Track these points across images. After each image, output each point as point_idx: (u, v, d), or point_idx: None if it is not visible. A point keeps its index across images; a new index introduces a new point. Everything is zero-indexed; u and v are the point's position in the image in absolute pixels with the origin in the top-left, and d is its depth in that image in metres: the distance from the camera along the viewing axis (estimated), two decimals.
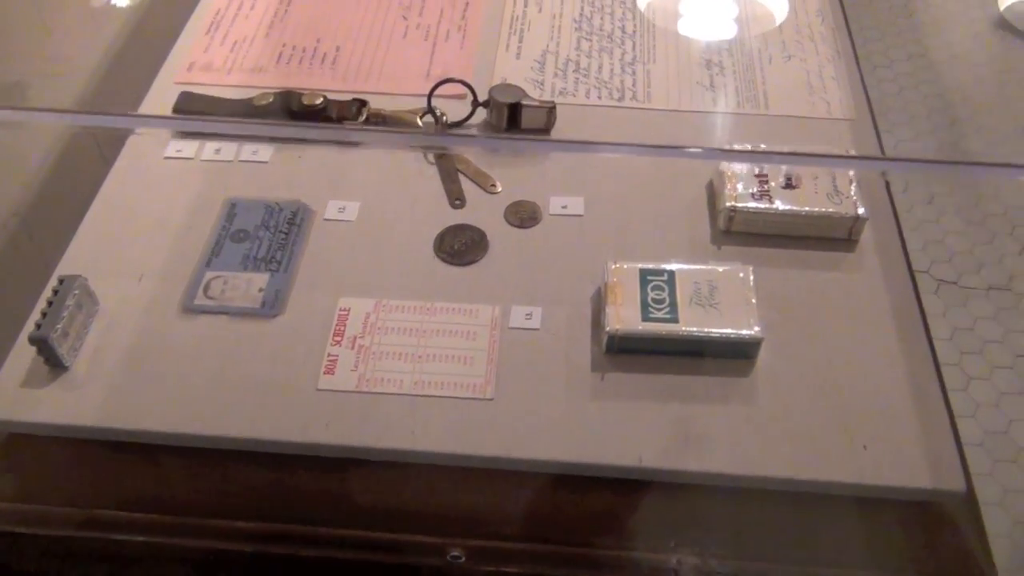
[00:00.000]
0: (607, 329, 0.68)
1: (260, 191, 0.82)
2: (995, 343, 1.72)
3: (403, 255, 0.77)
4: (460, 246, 0.78)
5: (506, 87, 0.86)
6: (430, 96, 0.85)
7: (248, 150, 0.86)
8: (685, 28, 0.98)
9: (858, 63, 0.94)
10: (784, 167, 0.80)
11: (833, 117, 0.87)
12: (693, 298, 0.69)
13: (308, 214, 0.80)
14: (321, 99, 0.86)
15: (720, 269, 0.72)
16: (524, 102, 0.84)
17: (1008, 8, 2.46)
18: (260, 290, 0.75)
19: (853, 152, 0.80)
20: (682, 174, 0.83)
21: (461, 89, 0.88)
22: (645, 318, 0.68)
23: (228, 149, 0.86)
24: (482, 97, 0.86)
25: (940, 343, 1.72)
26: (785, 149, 0.83)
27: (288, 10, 0.99)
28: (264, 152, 0.85)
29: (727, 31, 0.97)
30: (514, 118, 0.85)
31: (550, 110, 0.85)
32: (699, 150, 0.77)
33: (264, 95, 0.87)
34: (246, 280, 0.76)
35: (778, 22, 0.98)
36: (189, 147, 0.86)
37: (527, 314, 0.72)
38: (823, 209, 0.77)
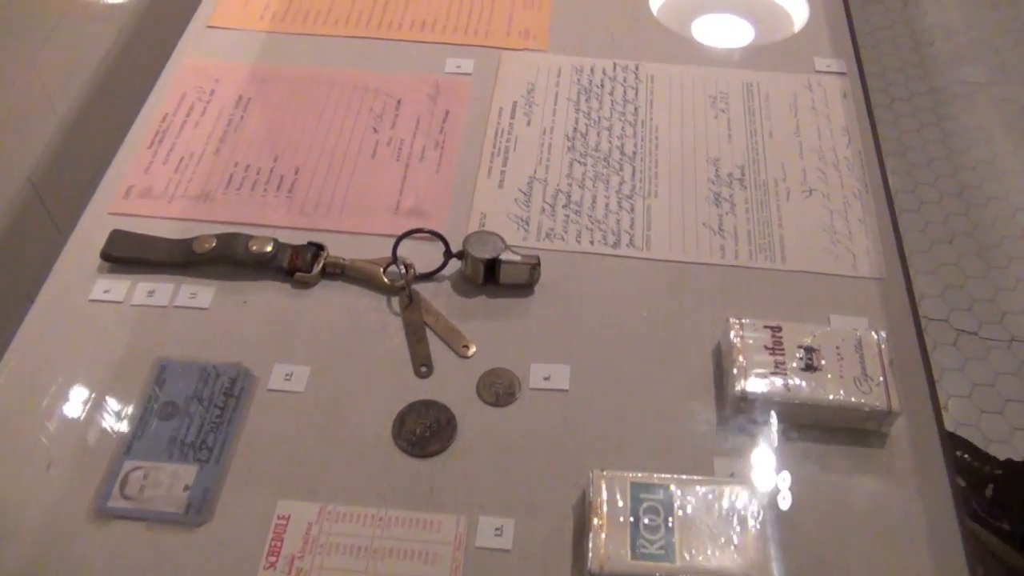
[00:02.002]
0: (589, 568, 0.57)
1: (197, 346, 0.71)
2: (1017, 402, 1.62)
3: (357, 442, 0.66)
4: (423, 431, 0.67)
5: (483, 237, 0.74)
6: (395, 247, 0.74)
7: (186, 292, 0.75)
8: (693, 148, 0.86)
9: (889, 195, 0.82)
10: (805, 341, 0.68)
11: (859, 275, 0.76)
12: (692, 528, 0.58)
13: (249, 382, 0.69)
14: (271, 245, 0.75)
15: (726, 489, 0.60)
16: (503, 257, 0.73)
17: None
18: (186, 488, 0.64)
19: (882, 333, 0.69)
20: (685, 338, 0.72)
21: (432, 218, 0.77)
22: (635, 554, 0.57)
23: (163, 291, 0.75)
24: (457, 244, 0.75)
25: (958, 400, 1.62)
26: (802, 318, 0.72)
27: (244, 117, 0.88)
28: (204, 296, 0.74)
29: (741, 153, 0.85)
30: (492, 272, 0.74)
31: (533, 267, 0.73)
32: None
33: (206, 239, 0.76)
34: (171, 474, 0.65)
35: (799, 140, 0.87)
36: (119, 287, 0.75)
37: (497, 529, 0.61)
38: (849, 398, 0.66)
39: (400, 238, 0.74)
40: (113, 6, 0.99)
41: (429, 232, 0.75)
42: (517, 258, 0.73)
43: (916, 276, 1.82)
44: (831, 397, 0.65)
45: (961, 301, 1.78)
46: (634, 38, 0.97)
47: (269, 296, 0.75)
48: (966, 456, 1.45)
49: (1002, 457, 1.41)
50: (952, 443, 1.43)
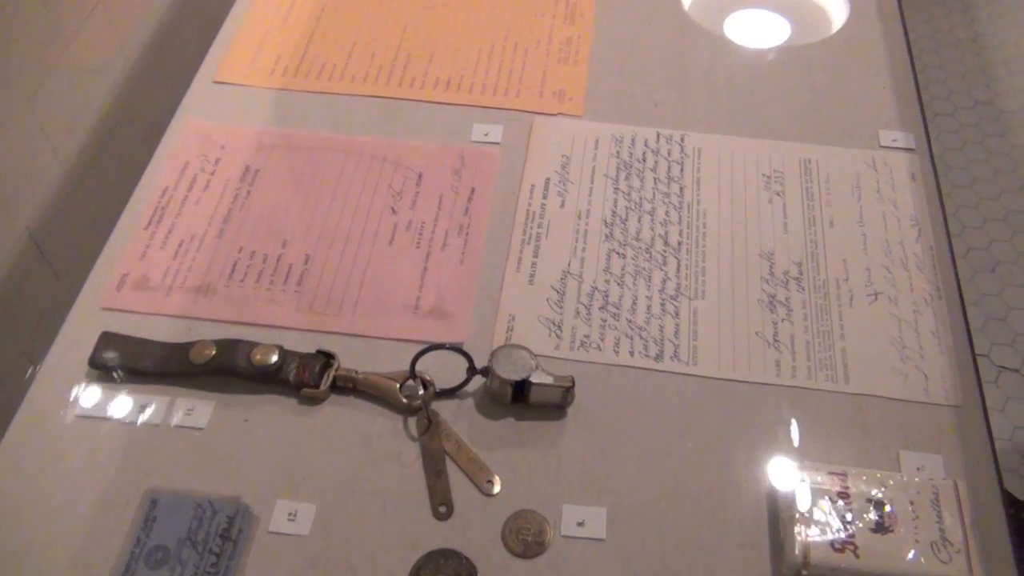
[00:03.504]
0: None
1: (191, 474, 0.64)
2: None
3: None
4: None
5: (511, 353, 0.67)
6: (413, 364, 0.67)
7: (182, 408, 0.67)
8: (744, 238, 0.78)
9: (963, 303, 0.74)
10: (875, 493, 0.60)
11: (932, 402, 0.68)
12: None
13: (248, 522, 0.62)
14: (275, 355, 0.68)
15: None
16: (533, 379, 0.65)
17: None
18: None
19: (962, 485, 0.61)
20: (736, 475, 0.65)
21: (455, 321, 0.69)
22: None
23: (157, 406, 0.67)
24: (482, 356, 0.67)
25: (997, 444, 1.53)
26: (869, 454, 0.64)
27: (251, 192, 0.80)
28: (201, 412, 0.67)
29: (799, 246, 0.77)
30: (522, 391, 0.66)
31: (566, 390, 0.66)
32: None
33: (205, 346, 0.68)
34: None
35: (863, 231, 0.78)
36: (108, 401, 0.68)
37: None
38: (926, 568, 0.58)
39: (419, 355, 0.67)
40: (117, 53, 0.91)
41: (452, 348, 0.67)
42: (549, 380, 0.66)
43: None
44: (907, 565, 0.58)
45: (1003, 335, 1.69)
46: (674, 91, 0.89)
47: (273, 414, 0.67)
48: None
49: None
50: (1013, 506, 1.33)
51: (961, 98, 2.30)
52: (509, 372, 0.65)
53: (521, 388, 0.66)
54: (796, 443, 0.65)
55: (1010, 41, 2.45)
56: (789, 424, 0.67)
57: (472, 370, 0.67)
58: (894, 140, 0.85)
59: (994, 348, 1.67)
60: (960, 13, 2.54)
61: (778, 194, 0.81)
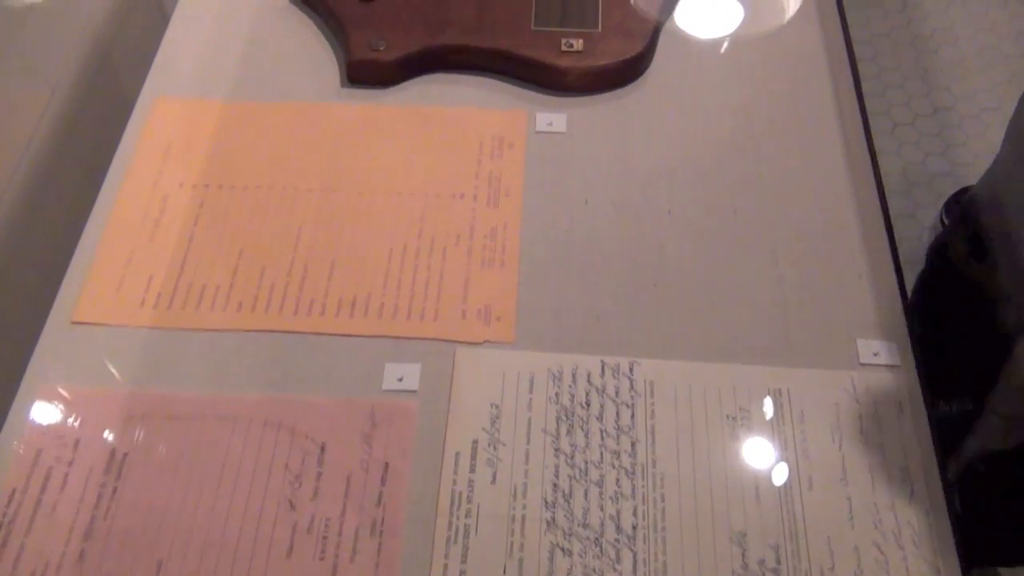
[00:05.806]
0: None
1: None
2: None
3: None
4: None
5: None
6: None
7: None
8: (711, 516, 0.66)
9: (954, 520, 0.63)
10: None
11: None
12: None
13: None
14: None
15: None
16: None
17: None
18: None
19: None
20: None
21: None
22: None
23: None
24: None
25: None
26: None
27: (118, 490, 0.67)
28: None
29: (775, 522, 0.65)
30: None
31: None
32: None
33: None
34: None
35: (848, 494, 0.67)
36: None
37: None
38: None
39: None
40: None
41: None
42: None
43: None
44: None
45: None
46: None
47: None
48: None
49: None
50: None
51: (920, 103, 2.20)
52: None
53: None
54: None
55: (965, 36, 2.35)
56: None
57: None
58: (875, 355, 0.73)
59: None
60: (915, 7, 2.44)
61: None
